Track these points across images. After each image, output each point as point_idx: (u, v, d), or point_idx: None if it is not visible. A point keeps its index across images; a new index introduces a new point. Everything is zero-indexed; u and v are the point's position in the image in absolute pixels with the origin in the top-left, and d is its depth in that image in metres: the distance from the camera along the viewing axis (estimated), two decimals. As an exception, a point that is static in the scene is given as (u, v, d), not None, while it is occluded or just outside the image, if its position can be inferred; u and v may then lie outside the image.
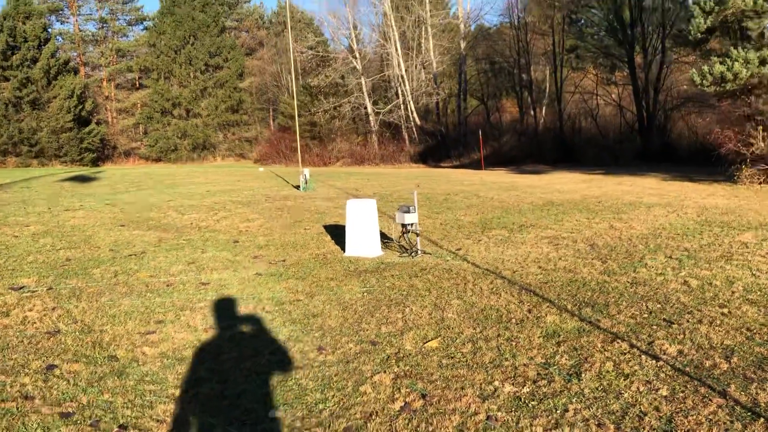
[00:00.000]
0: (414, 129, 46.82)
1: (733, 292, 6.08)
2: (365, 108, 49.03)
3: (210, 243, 9.69)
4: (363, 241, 8.55)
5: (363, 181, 21.52)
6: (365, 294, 6.54)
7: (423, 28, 47.64)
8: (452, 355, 4.70)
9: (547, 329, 5.19)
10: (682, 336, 4.90)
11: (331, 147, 48.51)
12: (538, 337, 5.01)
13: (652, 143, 34.62)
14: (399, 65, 46.45)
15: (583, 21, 42.40)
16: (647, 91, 36.40)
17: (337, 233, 10.37)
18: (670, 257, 7.83)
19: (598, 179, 21.10)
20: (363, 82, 48.25)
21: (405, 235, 8.67)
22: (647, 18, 37.13)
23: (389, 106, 47.56)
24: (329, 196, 15.74)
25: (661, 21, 37.15)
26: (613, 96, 40.31)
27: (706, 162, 29.72)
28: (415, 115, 47.00)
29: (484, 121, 46.53)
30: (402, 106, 47.11)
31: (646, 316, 5.47)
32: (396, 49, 46.31)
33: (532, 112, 43.71)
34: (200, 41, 52.24)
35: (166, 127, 51.62)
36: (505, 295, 6.32)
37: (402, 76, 46.31)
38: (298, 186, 18.20)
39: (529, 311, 5.74)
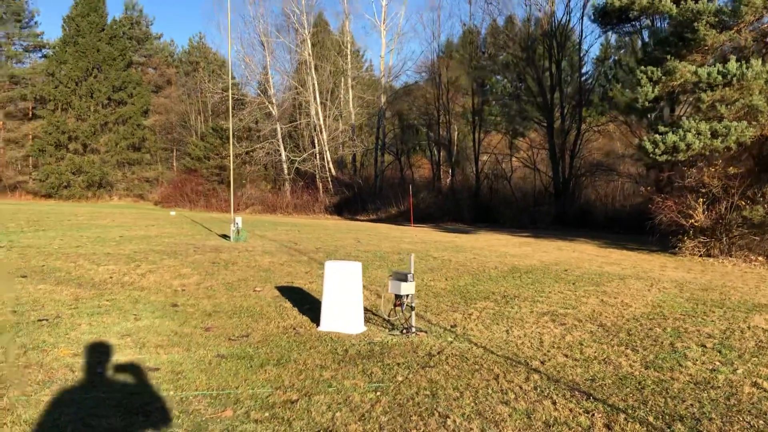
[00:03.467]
0: (329, 179, 45.56)
1: (835, 403, 5.00)
2: (279, 155, 47.38)
3: (142, 306, 7.79)
4: (344, 313, 6.98)
5: (294, 232, 19.80)
6: (378, 394, 4.97)
7: (343, 80, 46.98)
8: None
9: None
10: None
11: (240, 193, 46.27)
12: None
13: (569, 208, 35.00)
14: (317, 114, 45.37)
15: (502, 85, 43.17)
16: (563, 156, 37.06)
17: (296, 298, 8.72)
18: (704, 346, 6.80)
19: (534, 243, 20.46)
20: (278, 129, 46.72)
21: (396, 308, 7.17)
22: (566, 86, 38.15)
23: (305, 155, 46.16)
24: (267, 249, 13.96)
25: (578, 89, 38.30)
26: (524, 156, 40.78)
27: (622, 229, 30.31)
28: (331, 165, 45.83)
29: (399, 176, 45.97)
30: (318, 155, 45.85)
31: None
32: (314, 98, 45.28)
33: (449, 170, 43.60)
34: (104, 74, 49.12)
35: (60, 161, 47.66)
36: (559, 399, 4.94)
37: (320, 126, 45.19)
38: (226, 235, 16.28)
39: (608, 427, 4.37)
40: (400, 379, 5.37)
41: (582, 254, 16.71)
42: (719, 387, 5.39)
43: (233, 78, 52.32)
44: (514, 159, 42.24)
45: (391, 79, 45.61)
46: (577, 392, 5.16)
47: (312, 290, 9.40)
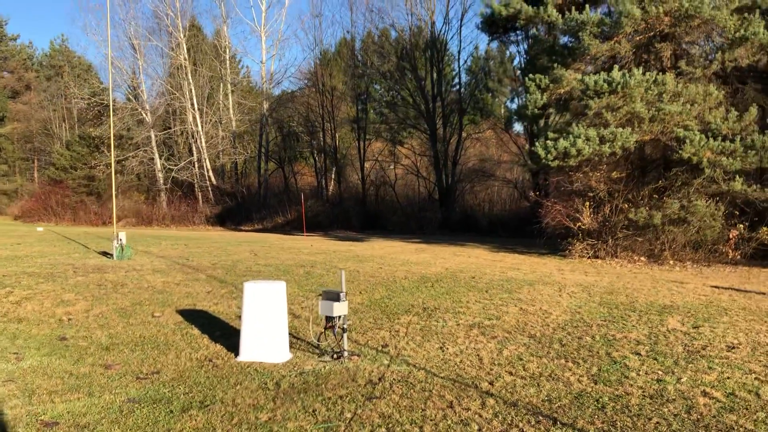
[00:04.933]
0: (209, 189, 43.72)
1: (791, 411, 4.96)
2: (154, 163, 44.88)
3: (23, 342, 6.67)
4: (267, 341, 6.26)
5: (180, 246, 18.48)
6: (330, 436, 4.35)
7: (222, 85, 45.30)
8: None
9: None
10: None
11: (111, 205, 43.33)
12: None
13: (453, 213, 35.60)
14: (194, 120, 43.43)
15: (379, 94, 43.31)
16: (446, 163, 37.69)
17: (203, 323, 7.86)
18: (638, 354, 6.74)
19: (429, 249, 20.41)
20: (152, 136, 44.27)
21: (327, 330, 6.55)
22: (446, 95, 38.85)
23: (182, 163, 44.02)
24: (157, 267, 12.77)
25: (458, 98, 39.14)
26: (408, 163, 41.08)
27: (504, 232, 31.22)
28: (211, 174, 44.03)
29: (284, 184, 44.94)
30: (196, 164, 43.86)
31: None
32: (192, 104, 43.33)
33: (334, 178, 43.13)
34: (-48, 76, 44.42)
35: None
36: (526, 427, 4.56)
37: (198, 133, 43.28)
38: (107, 252, 14.83)
39: (588, 457, 4.02)
40: (348, 415, 4.77)
41: (479, 259, 16.77)
42: (674, 400, 5.23)
43: (101, 83, 49.08)
44: (397, 167, 42.44)
45: (273, 86, 44.53)
46: (541, 417, 4.79)
47: (219, 312, 8.55)
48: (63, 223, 39.99)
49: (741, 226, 16.62)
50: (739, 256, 16.65)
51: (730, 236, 16.59)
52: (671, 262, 16.85)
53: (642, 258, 17.70)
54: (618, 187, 18.16)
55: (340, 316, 6.24)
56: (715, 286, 12.03)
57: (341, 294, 6.17)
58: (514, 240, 26.86)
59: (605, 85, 15.87)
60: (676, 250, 17.35)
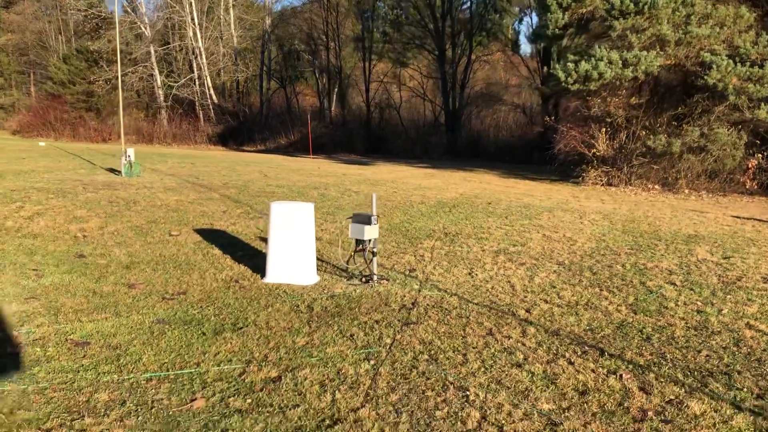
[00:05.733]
0: (211, 107, 42.92)
1: None
2: (154, 80, 43.86)
3: (41, 258, 6.46)
4: (295, 262, 6.05)
5: (188, 165, 18.16)
6: (373, 364, 4.18)
7: (222, -1, 43.73)
8: None
9: (723, 430, 3.37)
10: None
11: (111, 121, 42.60)
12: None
13: (460, 138, 35.04)
14: (195, 35, 42.15)
15: (383, 12, 41.81)
16: (454, 86, 36.82)
17: (223, 243, 7.65)
18: (674, 284, 6.55)
19: (438, 174, 20.12)
20: (152, 51, 43.07)
21: (356, 254, 6.34)
22: (456, 13, 37.53)
23: (183, 80, 43.02)
24: (168, 185, 12.49)
25: (469, 18, 37.85)
26: (414, 85, 40.17)
27: (512, 159, 30.80)
28: (212, 92, 43.12)
29: (286, 105, 44.10)
30: (197, 81, 42.88)
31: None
32: (192, 18, 41.94)
33: (336, 99, 42.27)
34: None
35: None
36: (574, 358, 4.40)
37: (199, 48, 42.09)
38: (115, 169, 14.51)
39: (644, 390, 3.87)
40: (388, 341, 4.60)
41: (490, 185, 16.51)
42: (720, 332, 5.06)
43: (98, -6, 47.35)
44: (402, 90, 41.47)
45: (275, 1, 43.01)
46: (587, 347, 4.63)
47: (237, 233, 8.33)
48: (63, 139, 39.43)
49: (760, 155, 16.28)
50: (756, 186, 16.39)
51: (749, 166, 16.28)
52: (686, 191, 16.60)
53: (656, 186, 17.43)
54: (636, 114, 17.70)
55: (370, 240, 6.01)
56: (736, 216, 11.83)
57: (372, 217, 5.91)
58: (523, 166, 26.52)
59: (631, 5, 15.17)
60: (691, 179, 17.07)
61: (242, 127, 39.92)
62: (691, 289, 6.36)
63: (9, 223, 7.98)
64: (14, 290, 5.38)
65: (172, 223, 8.69)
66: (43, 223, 8.16)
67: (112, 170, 14.76)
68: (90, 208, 9.31)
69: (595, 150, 18.20)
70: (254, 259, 6.84)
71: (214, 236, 7.99)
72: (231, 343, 4.43)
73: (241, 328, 4.75)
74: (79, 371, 3.87)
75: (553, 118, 22.17)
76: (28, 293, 5.32)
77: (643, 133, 17.40)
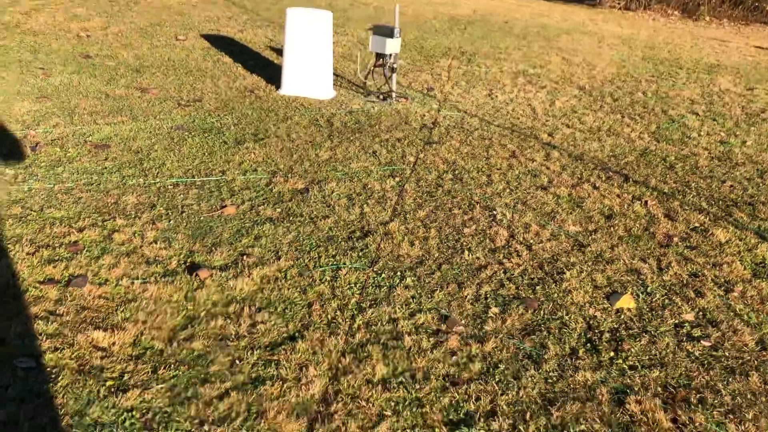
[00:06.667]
0: None
1: None
2: None
3: (45, 57, 6.20)
4: (311, 75, 5.83)
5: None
6: (398, 181, 4.16)
7: None
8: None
9: (747, 258, 3.44)
10: None
11: None
12: (745, 271, 3.28)
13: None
14: None
15: None
16: None
17: (233, 51, 7.34)
18: (696, 113, 6.44)
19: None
20: None
21: (375, 69, 6.10)
22: None
23: None
24: (166, -14, 11.73)
25: None
26: None
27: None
28: None
29: None
30: None
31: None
32: None
33: None
34: None
35: None
36: (598, 183, 4.39)
37: None
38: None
39: (669, 217, 3.90)
40: (411, 159, 4.55)
41: (504, 3, 15.64)
42: (744, 163, 5.04)
43: None
44: None
45: None
46: (611, 172, 4.61)
47: (246, 41, 7.97)
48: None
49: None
50: (781, 17, 15.66)
51: (778, -6, 15.42)
52: (707, 18, 15.85)
53: (676, 12, 16.61)
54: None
55: (391, 54, 5.73)
56: (759, 47, 11.41)
57: (395, 30, 5.59)
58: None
59: None
60: (713, 5, 16.24)
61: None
62: (714, 120, 6.25)
63: (6, 18, 7.56)
64: (23, 88, 5.19)
65: (177, 27, 8.27)
66: (42, 19, 7.74)
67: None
68: (88, 6, 8.81)
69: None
70: (267, 69, 6.59)
71: (222, 43, 7.64)
72: (254, 153, 4.36)
73: (263, 139, 4.65)
74: (103, 173, 3.83)
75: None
76: (39, 92, 5.15)
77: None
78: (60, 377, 2.14)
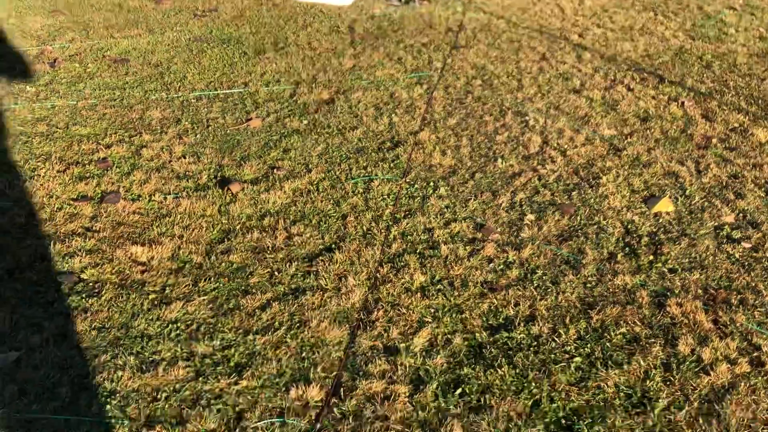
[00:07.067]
0: None
1: None
2: None
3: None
4: (329, -22, 5.60)
5: None
6: (426, 89, 4.05)
7: None
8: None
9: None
10: None
11: None
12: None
13: None
14: None
15: None
16: None
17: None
18: (733, 8, 6.11)
19: None
20: None
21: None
22: None
23: None
24: None
25: None
26: None
27: None
28: None
29: None
30: None
31: None
32: None
33: None
34: None
35: None
36: (633, 84, 4.23)
37: None
38: None
39: (707, 118, 3.78)
40: (438, 65, 4.40)
41: None
42: (784, 61, 4.81)
43: None
44: None
45: None
46: (645, 73, 4.44)
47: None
48: None
49: None
50: None
51: None
52: None
53: None
54: None
55: (413, -47, 5.46)
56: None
57: (417, -75, 5.30)
58: None
59: None
60: None
61: None
62: (753, 14, 5.94)
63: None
64: (35, 2, 5.06)
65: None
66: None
67: None
68: None
69: None
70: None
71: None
72: (276, 63, 4.25)
73: (283, 48, 4.53)
74: (125, 88, 3.77)
75: None
76: (50, 6, 5.01)
77: None
78: (103, 292, 2.16)
